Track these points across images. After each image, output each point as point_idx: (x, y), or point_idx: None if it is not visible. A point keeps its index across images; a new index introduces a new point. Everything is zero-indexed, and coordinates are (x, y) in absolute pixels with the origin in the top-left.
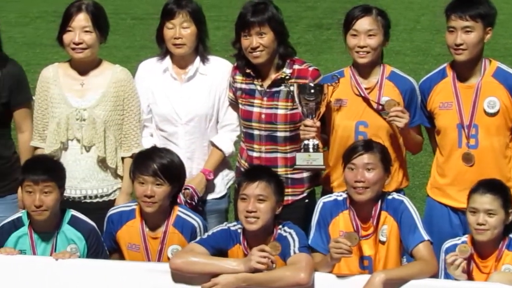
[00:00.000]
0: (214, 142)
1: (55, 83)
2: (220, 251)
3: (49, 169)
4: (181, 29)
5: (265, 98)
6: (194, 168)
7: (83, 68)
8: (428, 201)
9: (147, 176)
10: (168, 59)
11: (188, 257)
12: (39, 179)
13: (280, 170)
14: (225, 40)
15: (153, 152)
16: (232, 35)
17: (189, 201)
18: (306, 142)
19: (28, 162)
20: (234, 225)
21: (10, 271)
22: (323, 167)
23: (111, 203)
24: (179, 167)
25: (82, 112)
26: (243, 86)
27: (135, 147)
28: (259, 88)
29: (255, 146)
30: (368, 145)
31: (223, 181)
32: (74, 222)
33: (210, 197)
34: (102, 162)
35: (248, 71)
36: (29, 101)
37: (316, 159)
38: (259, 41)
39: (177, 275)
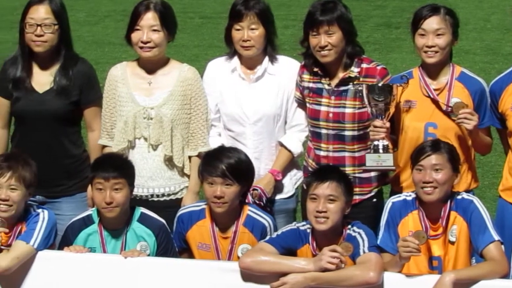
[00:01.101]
0: (283, 142)
1: (123, 82)
2: (289, 251)
3: (120, 166)
4: (249, 31)
5: (332, 97)
6: (262, 168)
7: (151, 67)
8: (500, 202)
9: (216, 177)
10: (236, 58)
11: (257, 256)
12: (109, 176)
13: (348, 169)
14: (293, 39)
15: (221, 152)
16: (300, 34)
17: (257, 201)
18: (375, 143)
19: (98, 159)
20: (303, 225)
21: (80, 269)
22: (393, 168)
23: (178, 202)
24: (247, 166)
25: (149, 111)
26: (311, 85)
27: (202, 146)
28: (326, 87)
29: (323, 145)
30: (436, 146)
31: (291, 181)
32: (143, 219)
33: (278, 197)
34: (169, 161)
35: (315, 69)
36: (99, 100)
37: (386, 160)
38: (328, 40)
39: (247, 274)
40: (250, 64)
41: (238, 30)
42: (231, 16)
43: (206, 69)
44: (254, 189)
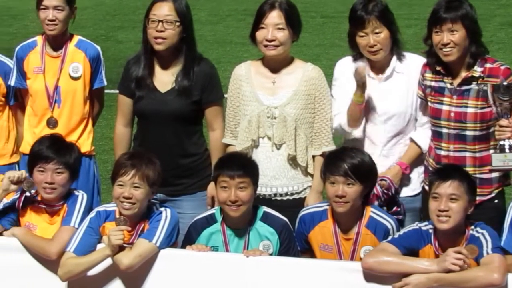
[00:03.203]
0: (413, 138)
1: (247, 81)
2: (411, 251)
3: (245, 165)
4: (374, 36)
5: (454, 96)
6: (389, 166)
7: (275, 66)
8: None
9: (338, 176)
10: (364, 58)
11: (380, 257)
12: (235, 174)
13: (469, 170)
14: (415, 38)
15: (344, 152)
16: (422, 33)
17: (385, 191)
18: (502, 142)
19: (223, 158)
20: (425, 225)
21: (202, 267)
22: None
23: (302, 201)
24: (370, 167)
25: (273, 110)
26: (433, 83)
27: (326, 145)
28: (449, 86)
29: (443, 144)
30: None
31: (419, 178)
32: (266, 218)
33: (405, 194)
34: (292, 160)
35: (438, 68)
36: (221, 99)
37: None
38: (450, 38)
39: (369, 274)
40: (378, 64)
41: (362, 36)
42: (353, 23)
43: (335, 67)
44: (382, 179)
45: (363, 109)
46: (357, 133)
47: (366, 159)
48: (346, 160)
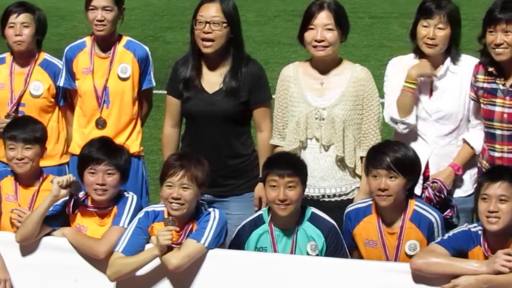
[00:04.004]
0: (466, 139)
1: (295, 82)
2: (460, 253)
3: (294, 164)
4: (435, 30)
5: (507, 98)
6: (442, 166)
7: (324, 67)
8: None
9: (381, 169)
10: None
11: (429, 258)
12: (284, 173)
13: None
14: (464, 39)
15: (387, 146)
16: (470, 33)
17: (437, 193)
18: None
19: (272, 157)
20: (475, 226)
21: (249, 267)
22: None
23: (349, 202)
24: (413, 160)
25: (321, 111)
26: (485, 85)
27: None
28: (501, 87)
29: (497, 146)
30: None
31: (471, 179)
32: (313, 219)
33: (457, 195)
34: (340, 162)
35: (490, 69)
36: (269, 100)
37: None
38: (504, 38)
39: (417, 276)
40: (431, 62)
41: (425, 27)
42: (420, 12)
43: (388, 65)
44: (434, 182)
45: (414, 100)
46: (410, 119)
47: (409, 153)
48: (388, 153)
